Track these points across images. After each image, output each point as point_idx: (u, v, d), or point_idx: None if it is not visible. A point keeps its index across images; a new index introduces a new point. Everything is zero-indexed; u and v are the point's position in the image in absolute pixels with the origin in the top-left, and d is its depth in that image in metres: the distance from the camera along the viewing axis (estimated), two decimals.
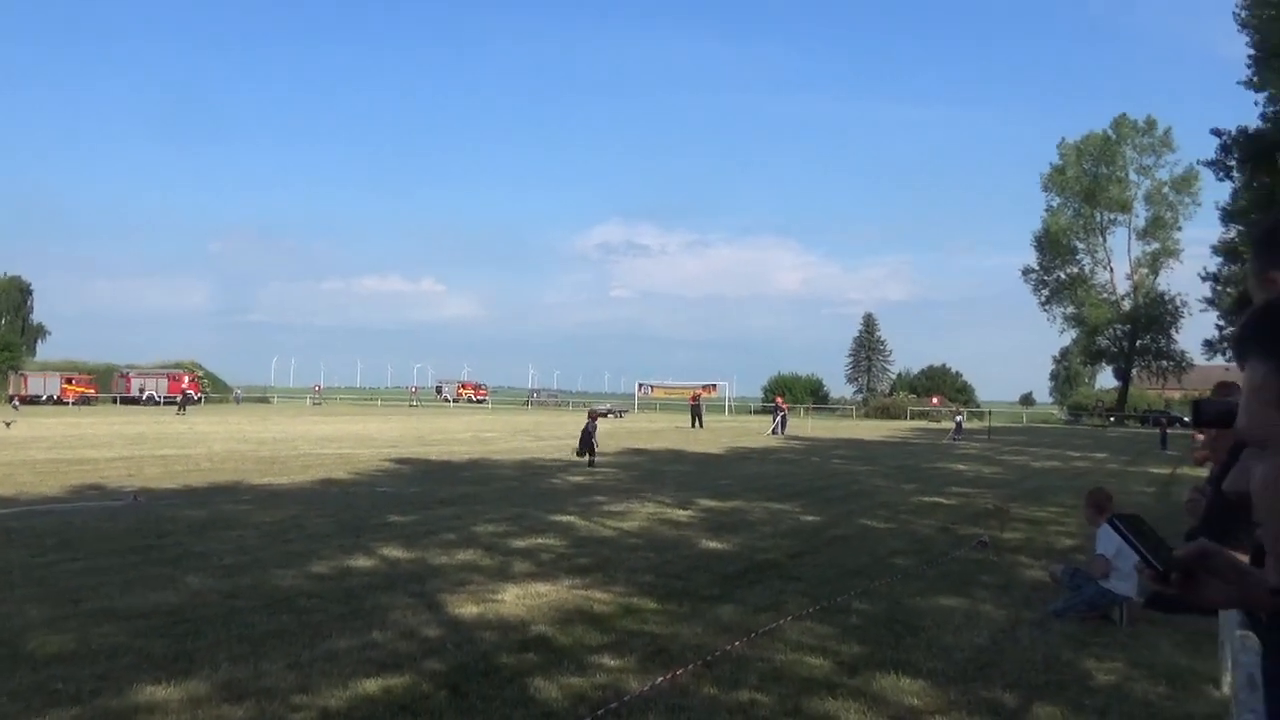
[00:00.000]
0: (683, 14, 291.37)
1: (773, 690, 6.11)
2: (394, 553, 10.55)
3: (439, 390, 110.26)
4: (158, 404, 73.17)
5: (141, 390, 78.73)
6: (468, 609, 8.09)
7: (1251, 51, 31.69)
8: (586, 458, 23.75)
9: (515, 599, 8.51)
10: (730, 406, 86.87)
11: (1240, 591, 1.60)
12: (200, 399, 76.93)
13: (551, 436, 36.43)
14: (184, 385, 74.55)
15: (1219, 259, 49.40)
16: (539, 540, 11.72)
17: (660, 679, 6.18)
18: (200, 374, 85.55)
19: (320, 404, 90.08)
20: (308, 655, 6.61)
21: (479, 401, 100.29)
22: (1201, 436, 5.69)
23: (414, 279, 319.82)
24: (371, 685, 5.99)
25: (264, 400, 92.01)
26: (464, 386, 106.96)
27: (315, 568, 9.67)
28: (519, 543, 11.50)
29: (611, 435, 38.07)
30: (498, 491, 16.91)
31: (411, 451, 26.18)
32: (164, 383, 79.12)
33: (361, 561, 10.05)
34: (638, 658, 6.76)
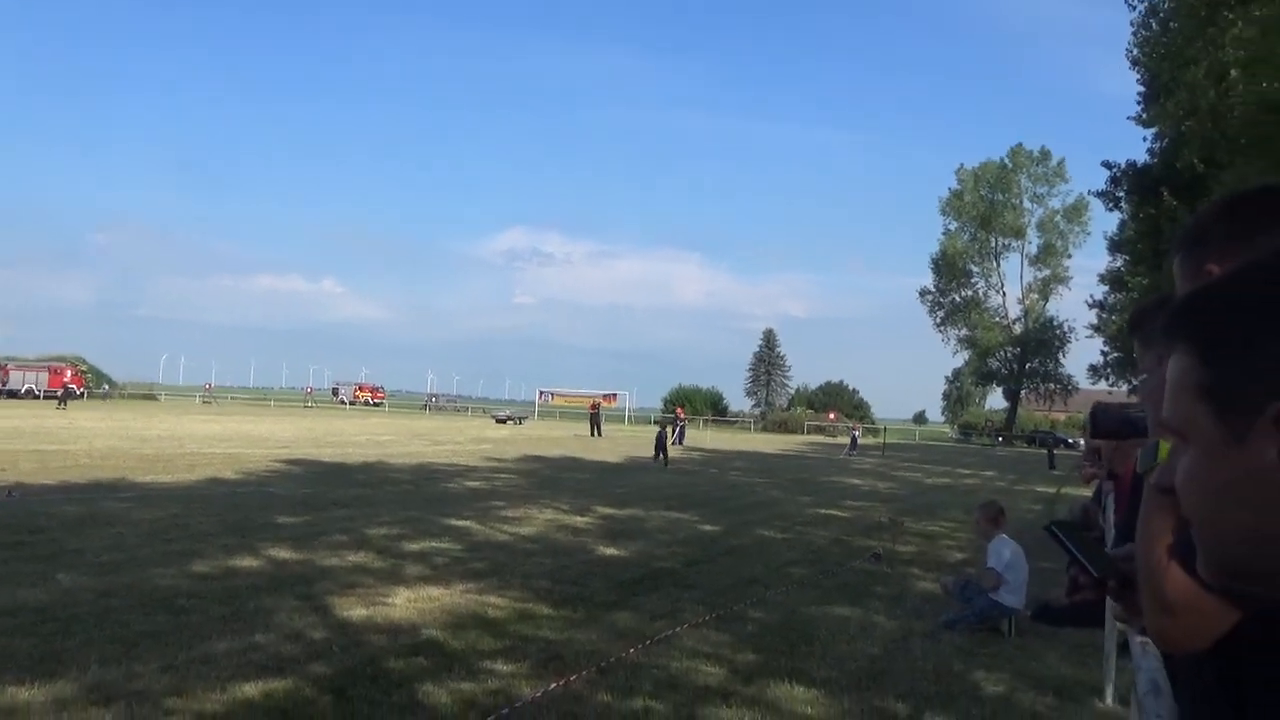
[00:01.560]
0: (595, 27, 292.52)
1: (667, 698, 6.04)
2: (281, 554, 10.22)
3: (335, 392, 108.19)
4: (37, 398, 70.14)
5: (21, 384, 75.47)
6: (356, 612, 7.85)
7: (1141, 89, 32.86)
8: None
9: (406, 602, 8.30)
10: (630, 416, 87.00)
11: None
12: (83, 394, 74.03)
13: (450, 441, 35.95)
14: (65, 379, 71.60)
15: (1105, 287, 51.10)
16: (433, 544, 11.48)
17: (553, 685, 6.06)
18: (84, 368, 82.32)
19: (210, 402, 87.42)
20: (184, 657, 6.32)
21: (376, 404, 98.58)
22: (1090, 444, 5.77)
23: (314, 279, 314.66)
24: (251, 689, 5.74)
25: (151, 397, 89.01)
26: (361, 389, 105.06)
27: (197, 567, 9.29)
28: (412, 546, 11.25)
29: (510, 442, 37.78)
30: (392, 495, 16.57)
31: (304, 453, 25.54)
32: (44, 376, 75.86)
33: (246, 562, 9.69)
34: (531, 663, 6.62)
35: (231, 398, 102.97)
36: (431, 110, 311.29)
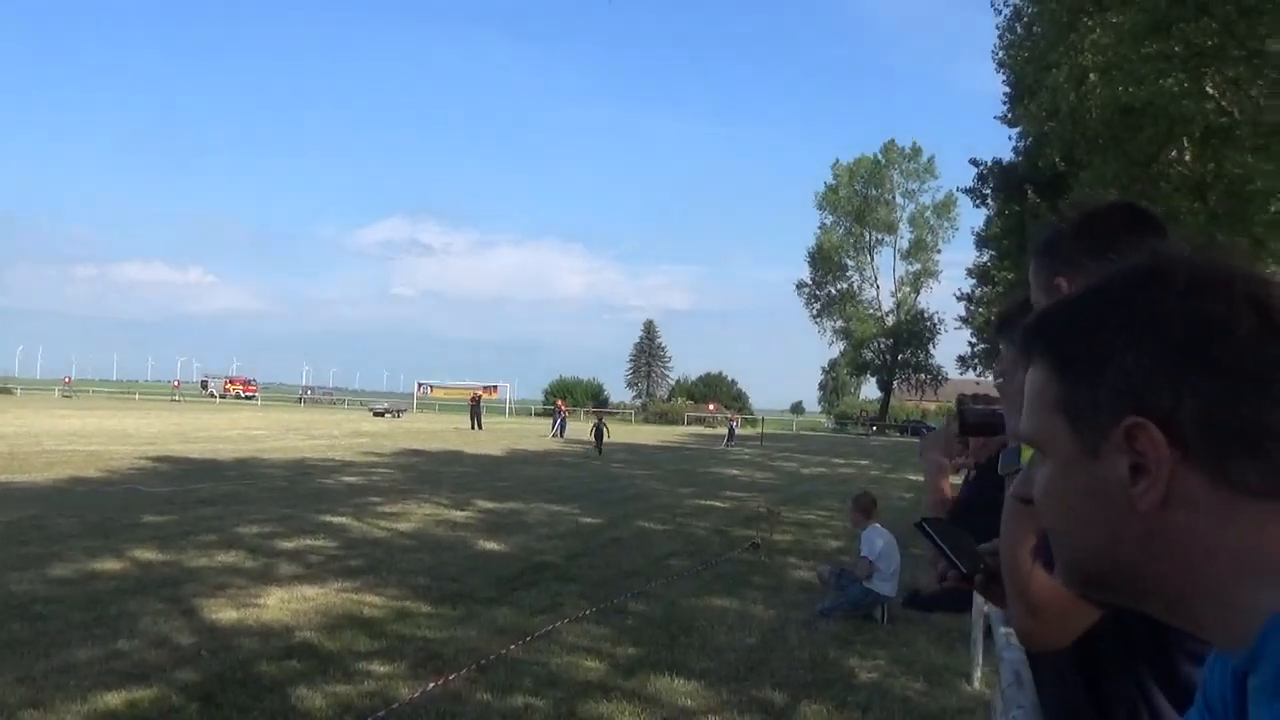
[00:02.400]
0: (476, 17, 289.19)
1: (547, 694, 6.02)
2: (147, 555, 9.85)
3: (204, 385, 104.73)
4: None
5: None
6: (226, 614, 7.61)
7: (1007, 90, 34.02)
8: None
9: (279, 603, 8.08)
10: (511, 409, 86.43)
11: None
12: None
13: (325, 435, 35.16)
14: None
15: (973, 281, 52.89)
16: (308, 541, 11.22)
17: (431, 685, 5.98)
18: None
19: (70, 396, 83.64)
20: (42, 667, 6.04)
21: (248, 398, 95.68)
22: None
23: (181, 268, 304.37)
24: (114, 698, 5.53)
25: (6, 391, 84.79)
26: (232, 382, 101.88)
27: (55, 571, 8.89)
28: (286, 544, 10.97)
29: (388, 435, 37.18)
30: (265, 491, 16.12)
31: (172, 449, 24.64)
32: None
33: (109, 564, 9.31)
34: (409, 663, 6.53)
35: (93, 391, 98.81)
36: (302, 96, 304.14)
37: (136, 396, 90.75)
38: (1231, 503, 0.75)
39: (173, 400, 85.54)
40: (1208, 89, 16.97)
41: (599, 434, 34.41)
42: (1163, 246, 0.87)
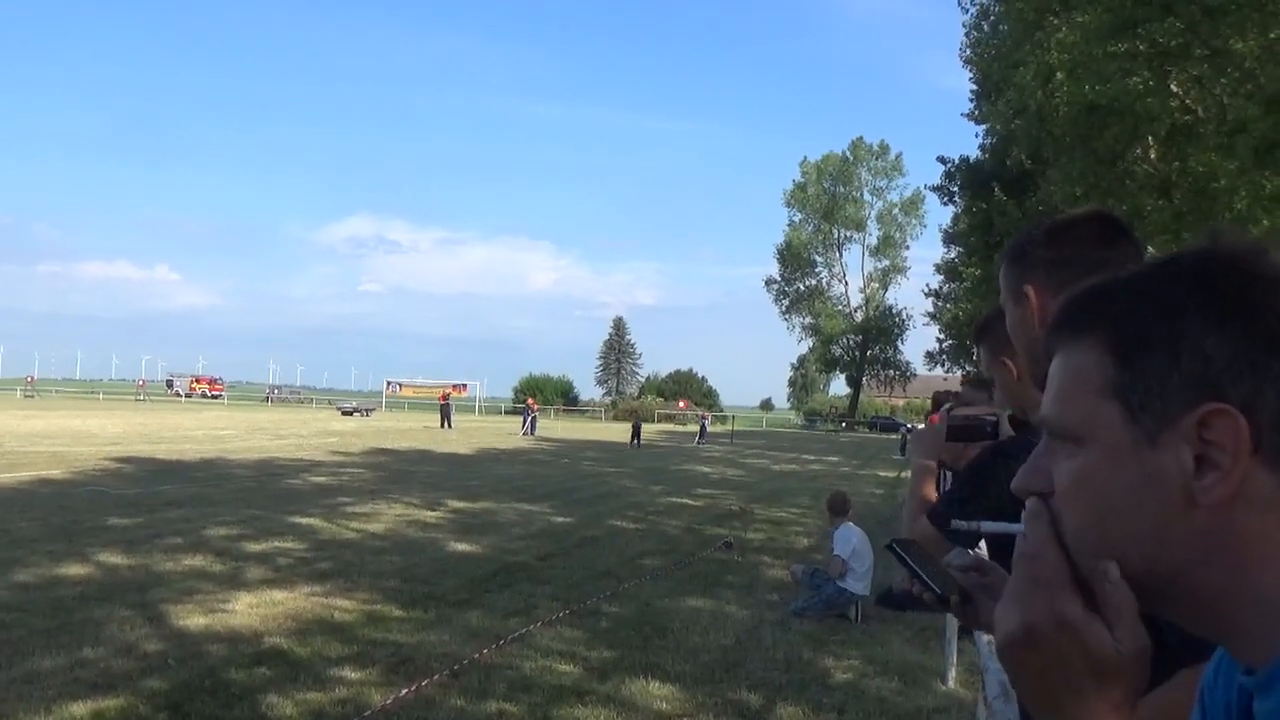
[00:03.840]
0: (444, 14, 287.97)
1: (522, 699, 5.97)
2: (112, 559, 9.70)
3: (170, 384, 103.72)
4: None
5: None
6: (194, 620, 7.50)
7: (974, 88, 34.24)
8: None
9: (248, 608, 7.98)
10: (481, 407, 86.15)
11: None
12: None
13: (293, 435, 34.87)
14: None
15: (940, 277, 53.30)
16: (276, 544, 11.09)
17: (405, 691, 5.91)
18: None
19: (33, 396, 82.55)
20: (4, 677, 5.92)
21: (214, 397, 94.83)
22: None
23: (145, 266, 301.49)
24: (79, 708, 5.42)
25: None
26: (198, 381, 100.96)
27: (18, 576, 8.73)
28: (254, 547, 10.84)
29: (357, 435, 36.94)
30: (232, 492, 15.94)
31: (137, 449, 24.34)
32: None
33: (74, 569, 9.16)
34: (381, 669, 6.45)
35: (56, 391, 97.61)
36: (269, 92, 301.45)
37: (100, 396, 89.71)
38: None
39: (137, 400, 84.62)
40: (1172, 88, 17.14)
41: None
42: (1224, 233, 0.82)
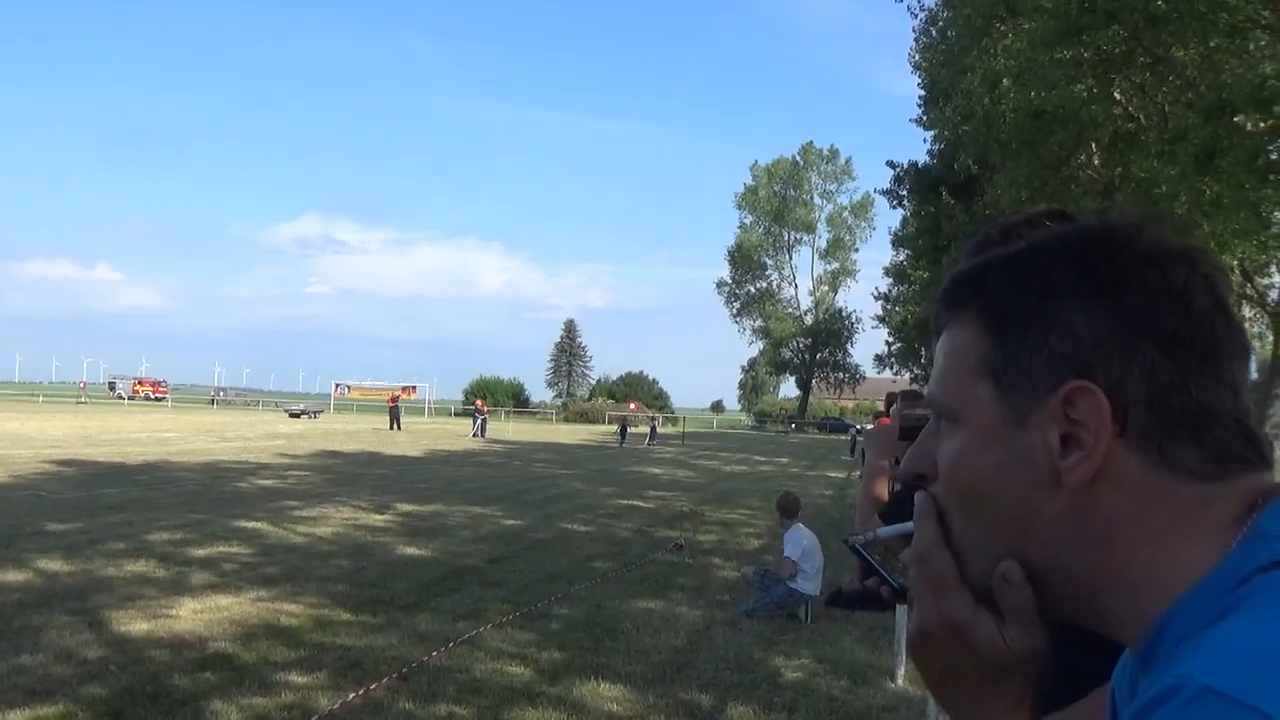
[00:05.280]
0: (393, 12, 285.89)
1: (471, 702, 5.93)
2: (51, 565, 9.49)
3: (112, 386, 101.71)
4: None
5: None
6: (136, 626, 7.36)
7: (922, 93, 34.61)
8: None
9: (192, 613, 7.84)
10: (430, 409, 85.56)
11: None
12: None
13: (239, 437, 34.39)
14: None
15: (889, 280, 53.90)
16: (221, 548, 10.92)
17: (353, 695, 5.84)
18: None
19: None
20: None
21: (158, 399, 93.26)
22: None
23: (87, 265, 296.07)
24: (17, 716, 5.30)
25: None
26: (141, 383, 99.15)
27: None
28: (199, 551, 10.67)
29: (305, 437, 36.52)
30: (176, 496, 15.67)
31: (78, 453, 23.86)
32: None
33: (11, 575, 8.94)
34: (329, 673, 6.37)
35: None
36: (217, 89, 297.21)
37: (40, 398, 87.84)
38: (1163, 486, 0.71)
39: (79, 402, 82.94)
40: (1116, 95, 17.44)
41: (652, 430, 41.15)
42: (1112, 209, 0.81)
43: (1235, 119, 13.11)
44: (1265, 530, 0.70)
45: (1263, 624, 0.63)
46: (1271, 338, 24.61)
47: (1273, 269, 23.03)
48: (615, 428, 48.17)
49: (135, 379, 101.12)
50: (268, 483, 18.76)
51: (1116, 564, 0.73)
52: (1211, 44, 14.39)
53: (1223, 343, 0.73)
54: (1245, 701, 0.58)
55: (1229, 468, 0.72)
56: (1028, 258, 0.79)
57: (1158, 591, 0.71)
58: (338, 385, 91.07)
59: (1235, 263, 20.16)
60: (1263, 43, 14.01)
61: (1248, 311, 27.24)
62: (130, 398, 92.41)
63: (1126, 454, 0.72)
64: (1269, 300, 23.57)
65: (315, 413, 66.53)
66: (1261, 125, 12.82)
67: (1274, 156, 13.65)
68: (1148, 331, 0.72)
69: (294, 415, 62.51)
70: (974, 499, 0.79)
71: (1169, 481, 0.72)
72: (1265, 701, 0.57)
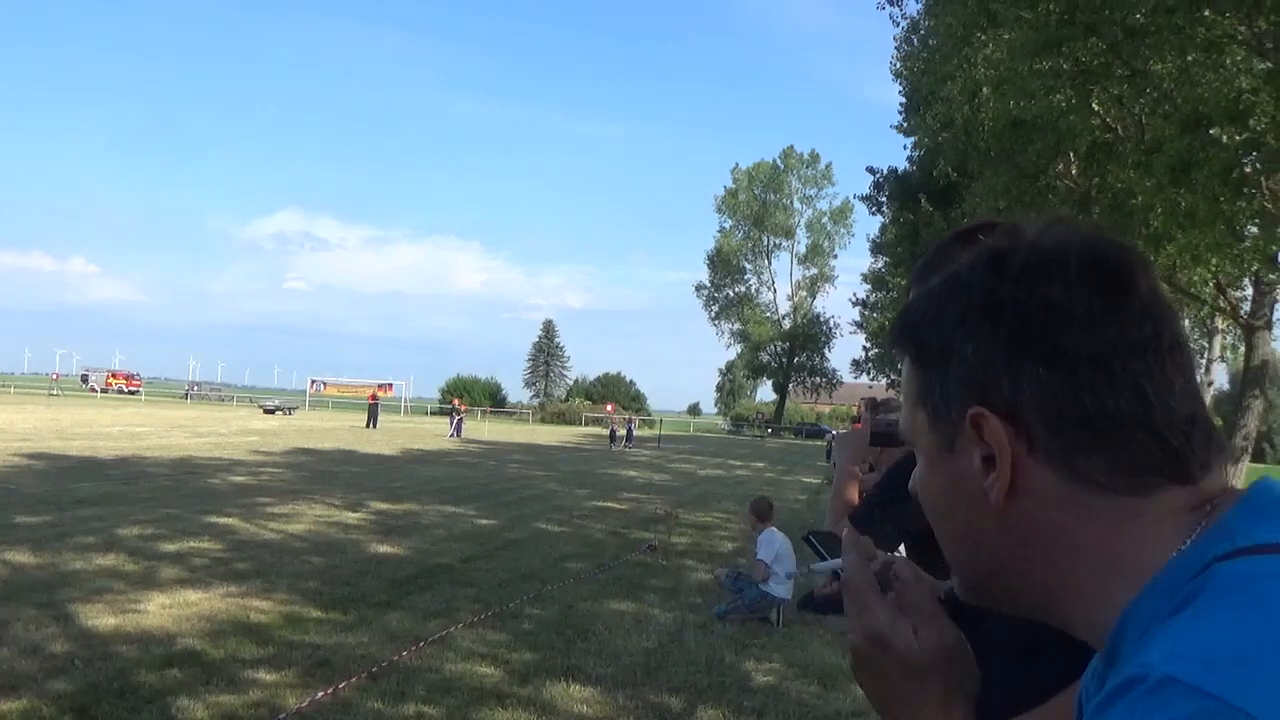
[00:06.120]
0: (374, 10, 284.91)
1: (441, 702, 5.91)
2: (19, 558, 9.40)
3: (85, 379, 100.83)
4: None
5: None
6: (104, 621, 7.30)
7: (903, 100, 34.77)
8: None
9: (160, 609, 7.78)
10: (407, 407, 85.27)
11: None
12: None
13: (213, 433, 34.16)
14: None
15: (867, 286, 54.16)
16: (192, 544, 10.84)
17: (321, 693, 5.81)
18: None
19: None
20: None
21: (131, 393, 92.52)
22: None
23: (61, 257, 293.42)
24: None
25: None
26: (114, 376, 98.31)
27: None
28: (169, 547, 10.58)
29: (279, 434, 36.31)
30: (148, 491, 15.54)
31: (48, 446, 23.63)
32: None
33: None
34: (298, 671, 6.33)
35: None
36: (198, 83, 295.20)
37: (11, 390, 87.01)
38: (1081, 499, 0.73)
39: (51, 394, 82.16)
40: (1094, 106, 17.55)
41: (628, 433, 42.61)
42: (1012, 229, 0.83)
43: (1211, 132, 13.22)
44: (1230, 524, 0.71)
45: (1220, 612, 0.64)
46: (1244, 349, 24.88)
47: (1246, 282, 23.27)
48: (598, 430, 48.50)
49: (108, 372, 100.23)
50: (241, 479, 18.64)
51: (1064, 571, 0.75)
52: (1188, 58, 14.50)
53: (1112, 345, 0.73)
54: (1206, 690, 0.58)
55: (1145, 480, 0.73)
56: (933, 292, 0.83)
57: (1110, 596, 0.72)
58: (314, 382, 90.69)
59: (1209, 275, 20.35)
60: (1238, 57, 14.15)
61: (1220, 324, 27.55)
62: (103, 391, 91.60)
63: (1039, 469, 0.74)
64: (1242, 313, 23.80)
65: (290, 409, 66.13)
66: (1236, 139, 12.92)
67: (1248, 170, 13.76)
68: (1028, 349, 0.74)
69: (269, 411, 62.08)
70: (936, 519, 0.84)
71: (1083, 494, 0.73)
72: (1226, 690, 0.58)
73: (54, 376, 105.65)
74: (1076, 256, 0.75)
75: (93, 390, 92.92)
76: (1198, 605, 0.65)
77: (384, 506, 15.33)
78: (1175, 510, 0.73)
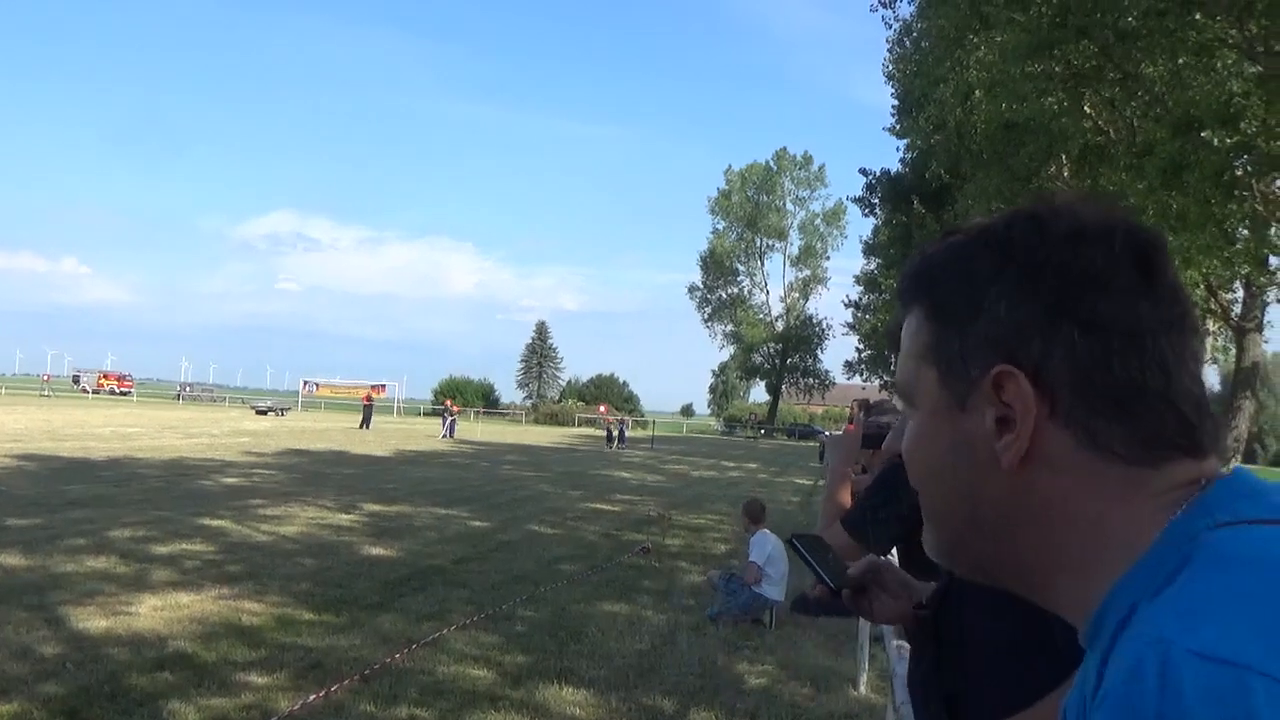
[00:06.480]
0: (367, 11, 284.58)
1: (433, 704, 5.90)
2: (10, 560, 9.37)
3: (76, 380, 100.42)
4: None
5: None
6: (95, 623, 7.28)
7: (895, 103, 34.85)
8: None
9: (152, 611, 7.76)
10: (399, 408, 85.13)
11: (907, 605, 1.64)
12: None
13: (205, 434, 34.07)
14: None
15: (860, 288, 54.24)
16: (184, 546, 10.82)
17: (313, 696, 5.80)
18: None
19: None
20: None
21: (123, 394, 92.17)
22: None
23: (53, 258, 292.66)
24: None
25: None
26: (106, 377, 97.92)
27: None
28: (161, 549, 10.56)
29: (272, 435, 36.24)
30: (140, 492, 15.50)
31: (39, 447, 23.56)
32: None
33: None
34: (290, 673, 6.33)
35: None
36: (190, 83, 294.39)
37: (2, 391, 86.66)
38: (1094, 466, 0.73)
39: (42, 395, 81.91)
40: (1086, 109, 17.62)
41: (621, 434, 42.76)
42: (1045, 195, 0.84)
43: (1202, 135, 13.27)
44: (1208, 502, 0.71)
45: (1214, 575, 0.64)
46: (1235, 351, 24.95)
47: (1237, 284, 23.35)
48: (591, 430, 48.63)
49: (100, 373, 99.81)
50: (233, 480, 18.60)
51: (1058, 542, 0.75)
52: (1180, 61, 14.57)
53: (1146, 319, 0.74)
54: (1221, 657, 0.58)
55: (1159, 453, 0.73)
56: (960, 248, 0.82)
57: (1099, 570, 0.72)
58: (306, 382, 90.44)
59: (1200, 277, 20.40)
60: (1229, 61, 14.21)
61: (1212, 326, 27.62)
62: (95, 392, 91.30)
63: (1057, 434, 0.74)
64: (1233, 314, 23.89)
65: (282, 410, 65.97)
66: (1227, 141, 12.97)
67: (1239, 173, 13.82)
68: (1067, 313, 0.74)
69: (261, 412, 61.94)
70: (928, 478, 0.83)
71: (1097, 462, 0.73)
72: (1241, 654, 0.57)
73: (45, 377, 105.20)
74: (1122, 230, 0.76)
75: (84, 391, 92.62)
76: (1194, 570, 0.65)
77: (376, 508, 15.31)
78: (1176, 484, 0.73)
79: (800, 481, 29.15)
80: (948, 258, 0.82)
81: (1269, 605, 0.60)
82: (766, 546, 8.91)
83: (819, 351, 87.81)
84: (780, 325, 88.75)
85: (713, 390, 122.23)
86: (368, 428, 46.24)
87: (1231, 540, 0.67)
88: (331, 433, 40.96)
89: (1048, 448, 0.74)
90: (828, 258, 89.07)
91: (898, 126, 34.76)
